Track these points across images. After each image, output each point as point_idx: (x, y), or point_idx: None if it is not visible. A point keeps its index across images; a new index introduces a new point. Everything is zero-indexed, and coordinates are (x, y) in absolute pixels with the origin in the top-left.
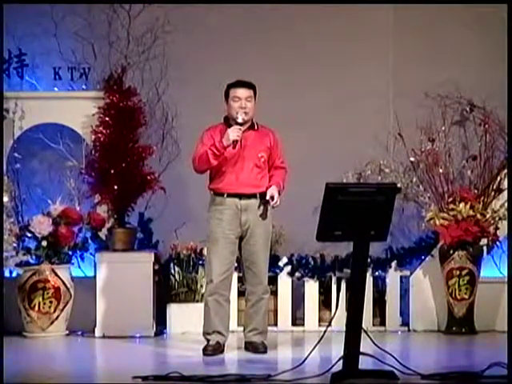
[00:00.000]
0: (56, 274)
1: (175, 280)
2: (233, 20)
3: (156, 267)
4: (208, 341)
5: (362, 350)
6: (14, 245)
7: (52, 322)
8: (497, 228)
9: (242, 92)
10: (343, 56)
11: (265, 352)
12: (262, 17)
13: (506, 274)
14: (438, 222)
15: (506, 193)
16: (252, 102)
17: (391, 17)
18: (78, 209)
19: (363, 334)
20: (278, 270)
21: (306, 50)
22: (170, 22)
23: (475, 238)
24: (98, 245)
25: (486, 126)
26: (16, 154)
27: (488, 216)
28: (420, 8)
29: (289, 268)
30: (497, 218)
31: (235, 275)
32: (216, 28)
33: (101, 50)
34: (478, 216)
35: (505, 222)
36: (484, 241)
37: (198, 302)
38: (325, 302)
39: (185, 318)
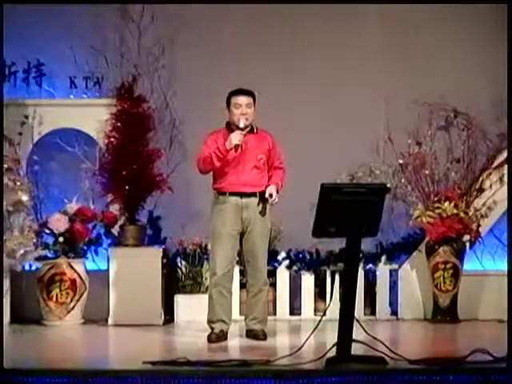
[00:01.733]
0: (72, 268)
1: (182, 273)
2: (236, 34)
3: (164, 261)
4: (212, 329)
5: (354, 337)
6: (34, 240)
7: (68, 312)
8: (479, 225)
9: (243, 99)
10: (339, 68)
11: (264, 339)
12: (264, 31)
13: (486, 268)
14: (424, 220)
15: (486, 192)
16: (252, 108)
17: (381, 29)
18: (92, 207)
19: (355, 323)
20: (276, 264)
21: (305, 62)
22: (176, 34)
23: (459, 234)
24: (110, 240)
25: (469, 131)
26: (35, 157)
27: (470, 214)
28: (407, 20)
29: (287, 262)
30: (479, 216)
31: (237, 268)
32: (220, 41)
33: (113, 61)
34: (462, 214)
35: (486, 220)
36: (467, 237)
37: (203, 293)
38: (320, 294)
39: (191, 307)
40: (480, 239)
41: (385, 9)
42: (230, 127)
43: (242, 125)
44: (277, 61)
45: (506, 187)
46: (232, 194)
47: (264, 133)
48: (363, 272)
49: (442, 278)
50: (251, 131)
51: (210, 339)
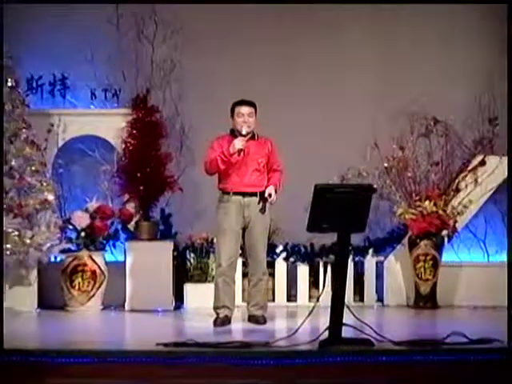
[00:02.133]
0: (92, 259)
1: (190, 264)
2: (237, 49)
3: (174, 254)
4: (218, 314)
5: (344, 321)
6: (58, 235)
7: (89, 299)
8: (455, 221)
9: (245, 109)
10: (333, 82)
11: (264, 323)
12: (266, 45)
13: (462, 259)
14: (407, 217)
15: (462, 192)
16: (253, 117)
17: (370, 45)
18: (110, 205)
19: (345, 309)
20: (275, 256)
21: (302, 78)
22: (185, 51)
23: (438, 229)
24: (127, 235)
25: (447, 137)
26: (59, 161)
27: (448, 211)
28: (393, 36)
29: (284, 254)
30: (455, 213)
31: (239, 260)
32: (224, 56)
33: (129, 75)
34: (440, 211)
35: (462, 217)
36: (445, 232)
37: (209, 282)
38: (314, 283)
39: (198, 295)
40: (456, 234)
41: (374, 23)
42: (234, 134)
43: (244, 132)
44: (276, 73)
45: (479, 188)
46: (235, 193)
47: (264, 139)
48: (352, 263)
49: (422, 269)
50: (252, 137)
51: (215, 323)
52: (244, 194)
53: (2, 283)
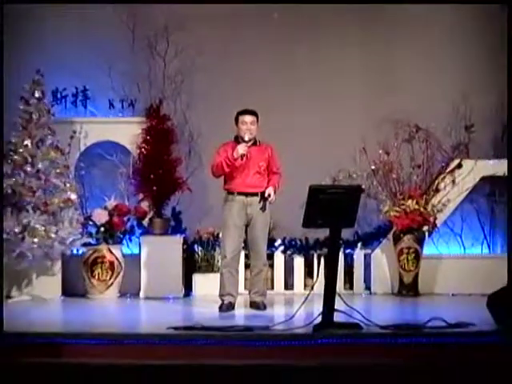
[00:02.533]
0: (111, 252)
1: (198, 256)
2: (239, 67)
3: (184, 247)
4: (223, 301)
5: (336, 307)
6: (80, 230)
7: (108, 287)
8: (435, 218)
9: (248, 118)
10: (326, 93)
11: (264, 309)
12: (265, 60)
13: (441, 252)
14: (391, 214)
15: (441, 192)
16: (255, 125)
17: (359, 58)
18: (126, 204)
19: (337, 296)
20: (274, 249)
21: (299, 90)
22: (193, 66)
23: (419, 225)
24: (141, 230)
25: (428, 143)
26: (81, 164)
27: (429, 209)
28: (379, 51)
29: (282, 247)
30: (435, 211)
31: (242, 253)
32: (227, 71)
33: (143, 87)
34: (422, 209)
35: (441, 214)
36: (426, 227)
37: (215, 272)
38: (308, 273)
39: (205, 284)
40: (436, 229)
41: (363, 39)
42: (238, 140)
43: (246, 138)
44: (275, 85)
45: (456, 188)
46: (239, 193)
47: (265, 145)
48: (343, 255)
49: (405, 261)
50: (254, 144)
51: (220, 309)
52: (247, 194)
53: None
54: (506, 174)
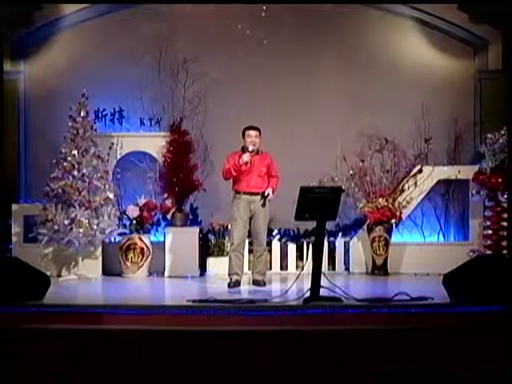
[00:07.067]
0: (141, 240)
1: (211, 243)
2: (244, 92)
3: (200, 236)
4: (231, 279)
5: (321, 284)
6: (117, 223)
7: (139, 268)
8: (401, 213)
9: (253, 132)
10: (315, 112)
11: (264, 286)
12: (265, 86)
13: (405, 240)
14: (366, 209)
15: (406, 192)
16: (258, 138)
17: (339, 84)
18: (154, 201)
19: (322, 275)
20: (272, 237)
21: (292, 109)
22: (208, 91)
23: (388, 218)
24: (166, 223)
25: (395, 152)
26: (118, 169)
27: (396, 205)
28: (352, 74)
29: (278, 236)
30: (401, 207)
31: (247, 240)
32: (234, 95)
33: (167, 108)
34: (390, 206)
35: (405, 209)
36: (393, 220)
37: (225, 256)
38: (299, 256)
39: (217, 265)
40: (401, 222)
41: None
42: (244, 150)
43: (251, 149)
44: (273, 104)
45: (418, 189)
46: (244, 193)
47: (265, 154)
48: (327, 243)
49: (377, 247)
50: (257, 153)
51: (229, 285)
52: (250, 194)
53: None
54: (457, 177)
